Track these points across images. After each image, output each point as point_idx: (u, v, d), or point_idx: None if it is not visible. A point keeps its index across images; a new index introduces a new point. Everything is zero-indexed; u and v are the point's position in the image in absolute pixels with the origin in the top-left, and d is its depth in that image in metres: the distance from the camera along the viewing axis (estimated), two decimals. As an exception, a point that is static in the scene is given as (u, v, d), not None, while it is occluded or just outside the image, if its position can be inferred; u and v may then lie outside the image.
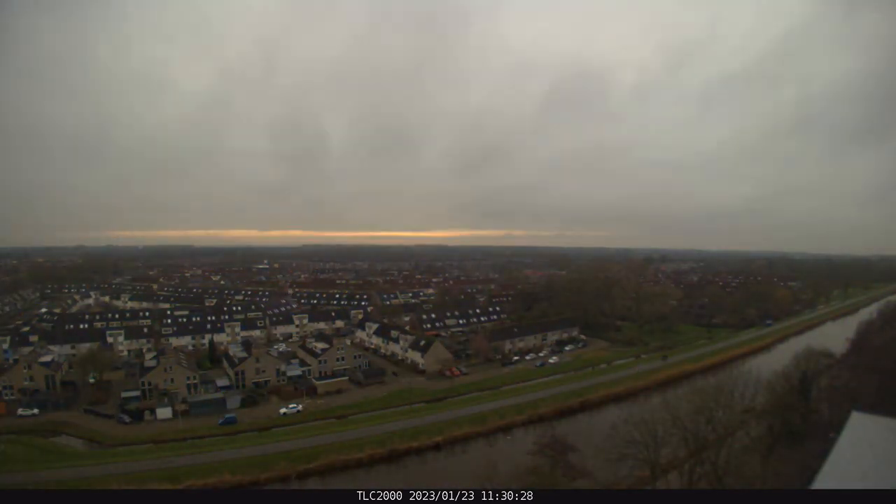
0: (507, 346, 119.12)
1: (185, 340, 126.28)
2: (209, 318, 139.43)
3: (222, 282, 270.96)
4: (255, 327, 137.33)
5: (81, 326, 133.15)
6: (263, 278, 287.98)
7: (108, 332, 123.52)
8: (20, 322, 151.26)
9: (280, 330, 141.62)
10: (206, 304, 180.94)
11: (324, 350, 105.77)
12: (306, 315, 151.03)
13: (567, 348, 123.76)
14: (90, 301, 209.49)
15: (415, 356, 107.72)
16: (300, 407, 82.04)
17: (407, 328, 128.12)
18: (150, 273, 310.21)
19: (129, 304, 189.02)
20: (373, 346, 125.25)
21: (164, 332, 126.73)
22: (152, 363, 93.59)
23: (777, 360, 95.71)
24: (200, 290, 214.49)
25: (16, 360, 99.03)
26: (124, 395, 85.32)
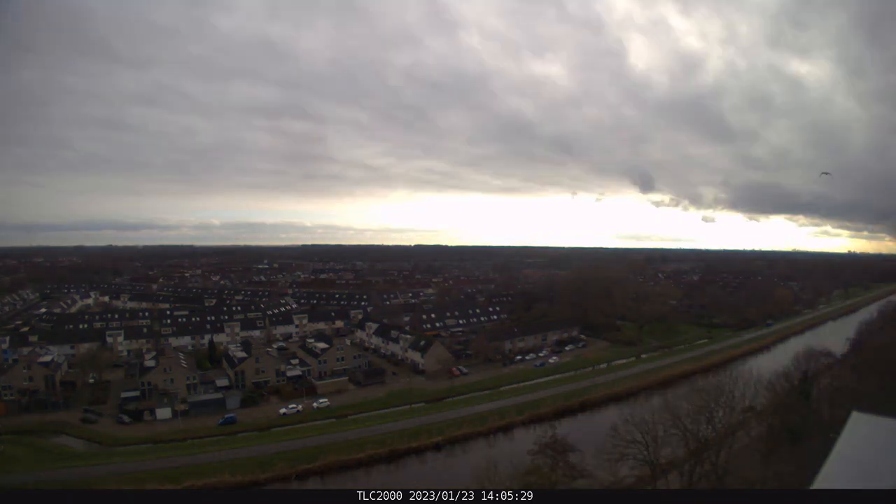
0: (507, 346, 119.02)
1: (185, 340, 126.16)
2: (209, 319, 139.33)
3: (222, 282, 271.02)
4: (254, 327, 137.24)
5: (81, 326, 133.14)
6: (263, 278, 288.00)
7: (107, 332, 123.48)
8: (20, 322, 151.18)
9: (280, 330, 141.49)
10: (206, 304, 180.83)
11: (324, 350, 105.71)
12: (306, 315, 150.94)
13: (567, 348, 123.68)
14: (90, 301, 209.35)
15: (415, 356, 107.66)
16: (300, 407, 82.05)
17: (407, 328, 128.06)
18: (150, 273, 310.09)
19: (129, 304, 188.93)
20: (373, 346, 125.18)
21: (163, 332, 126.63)
22: (152, 363, 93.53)
23: (777, 360, 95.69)
24: (200, 290, 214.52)
25: (15, 360, 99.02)
26: (124, 395, 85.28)
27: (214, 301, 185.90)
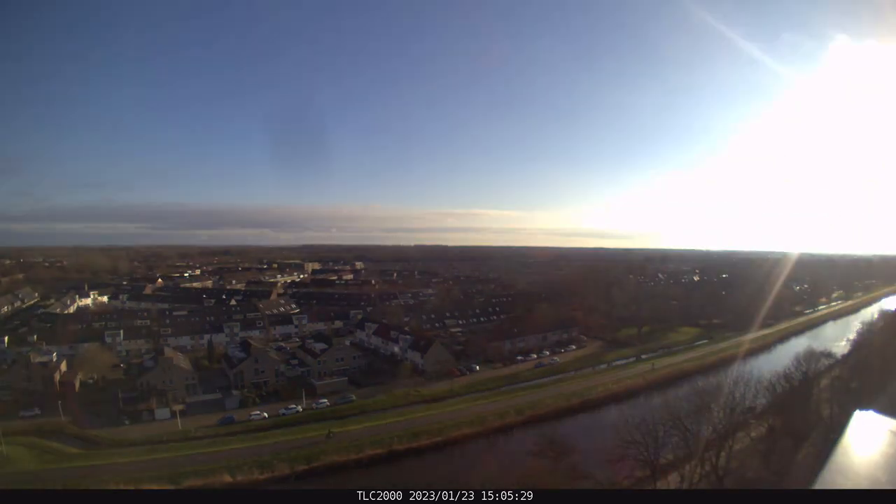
0: (507, 346, 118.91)
1: (184, 341, 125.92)
2: (208, 319, 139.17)
3: (221, 282, 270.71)
4: (253, 328, 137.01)
5: (80, 326, 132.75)
6: (263, 278, 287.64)
7: (106, 333, 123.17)
8: (18, 322, 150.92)
9: (279, 330, 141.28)
10: (205, 304, 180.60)
11: (323, 350, 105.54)
12: (305, 315, 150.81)
13: (567, 349, 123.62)
14: (88, 301, 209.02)
15: (414, 356, 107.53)
16: (300, 408, 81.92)
17: (406, 328, 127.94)
18: (150, 273, 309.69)
19: (128, 304, 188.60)
20: (372, 347, 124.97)
21: (162, 333, 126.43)
22: (151, 364, 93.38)
23: (777, 360, 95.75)
24: (199, 290, 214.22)
25: (13, 361, 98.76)
26: (122, 395, 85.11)
27: (213, 301, 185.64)
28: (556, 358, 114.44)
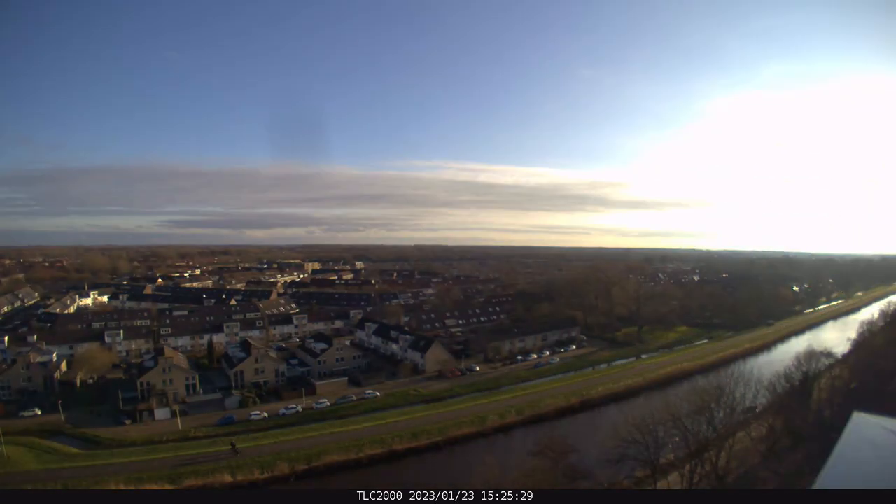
0: (507, 346, 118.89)
1: (184, 341, 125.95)
2: (208, 319, 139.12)
3: (221, 282, 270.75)
4: (253, 328, 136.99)
5: (79, 326, 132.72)
6: (263, 278, 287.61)
7: (106, 333, 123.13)
8: (18, 322, 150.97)
9: (279, 330, 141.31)
10: (205, 304, 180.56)
11: (323, 350, 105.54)
12: (305, 315, 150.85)
13: (567, 349, 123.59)
14: (89, 301, 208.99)
15: (414, 356, 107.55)
16: (300, 407, 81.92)
17: (406, 328, 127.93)
18: (149, 273, 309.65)
19: (128, 305, 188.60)
20: (372, 347, 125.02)
21: (162, 333, 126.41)
22: (150, 363, 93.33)
23: (777, 360, 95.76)
24: (199, 290, 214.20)
25: (13, 361, 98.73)
26: (122, 395, 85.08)
27: (213, 301, 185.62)
28: (555, 357, 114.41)
